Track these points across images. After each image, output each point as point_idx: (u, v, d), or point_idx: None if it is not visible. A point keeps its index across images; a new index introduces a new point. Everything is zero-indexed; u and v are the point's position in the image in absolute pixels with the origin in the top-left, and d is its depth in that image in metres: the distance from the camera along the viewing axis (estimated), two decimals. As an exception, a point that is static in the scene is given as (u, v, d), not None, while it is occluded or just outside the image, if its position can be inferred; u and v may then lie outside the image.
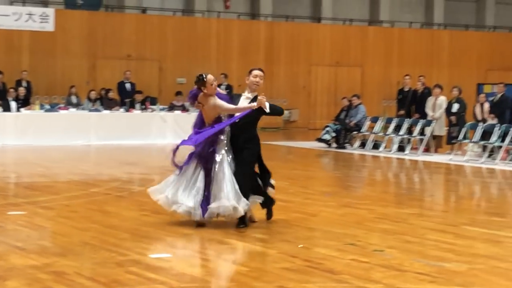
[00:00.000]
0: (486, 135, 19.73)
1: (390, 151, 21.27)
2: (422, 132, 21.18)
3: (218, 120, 9.68)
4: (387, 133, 21.82)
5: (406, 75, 23.24)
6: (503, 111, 20.70)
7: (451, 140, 20.83)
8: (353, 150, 21.86)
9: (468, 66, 32.20)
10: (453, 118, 21.00)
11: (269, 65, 29.56)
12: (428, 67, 31.11)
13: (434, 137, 21.34)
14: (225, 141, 9.66)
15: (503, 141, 19.30)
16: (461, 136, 20.19)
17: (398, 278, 7.29)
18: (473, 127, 20.24)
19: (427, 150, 21.15)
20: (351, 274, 7.40)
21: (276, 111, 10.02)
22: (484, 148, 19.82)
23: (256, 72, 9.75)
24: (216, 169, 9.50)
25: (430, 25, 33.71)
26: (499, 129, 19.40)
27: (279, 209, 11.21)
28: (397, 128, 21.73)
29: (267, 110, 9.58)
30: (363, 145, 22.10)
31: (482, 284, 7.15)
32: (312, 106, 30.47)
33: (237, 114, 9.62)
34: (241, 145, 9.66)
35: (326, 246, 8.73)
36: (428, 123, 21.07)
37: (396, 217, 10.93)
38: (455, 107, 21.05)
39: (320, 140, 22.72)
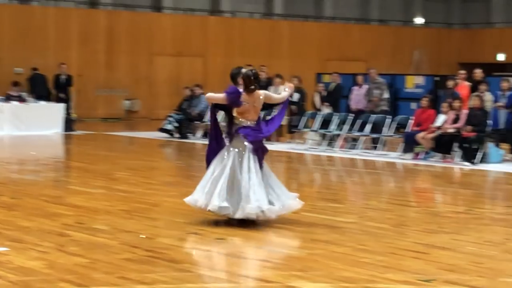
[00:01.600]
0: (325, 123, 20.17)
1: (232, 140, 21.38)
2: (263, 121, 21.39)
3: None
4: (229, 122, 21.93)
5: (247, 65, 23.40)
6: (337, 100, 21.22)
7: (291, 129, 21.18)
8: (196, 139, 21.86)
9: (308, 56, 32.82)
10: (293, 107, 21.33)
11: (109, 54, 29.17)
12: (269, 57, 31.47)
13: (275, 126, 21.59)
14: None
15: (341, 129, 19.80)
16: (301, 125, 20.56)
17: (240, 265, 7.32)
18: (313, 116, 20.65)
19: (268, 139, 21.38)
20: (193, 263, 7.39)
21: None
22: (324, 136, 20.26)
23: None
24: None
25: (270, 15, 34.14)
26: (337, 118, 19.88)
27: (121, 199, 11.09)
28: (239, 118, 21.86)
29: (292, 98, 9.93)
30: (205, 134, 22.11)
31: (320, 269, 7.27)
32: (154, 96, 30.27)
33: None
34: None
35: (168, 236, 8.67)
36: (269, 113, 21.29)
37: (238, 205, 10.98)
38: (296, 96, 21.38)
39: (162, 130, 22.60)
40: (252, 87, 9.34)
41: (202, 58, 31.22)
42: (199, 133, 22.30)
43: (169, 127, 22.52)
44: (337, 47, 33.73)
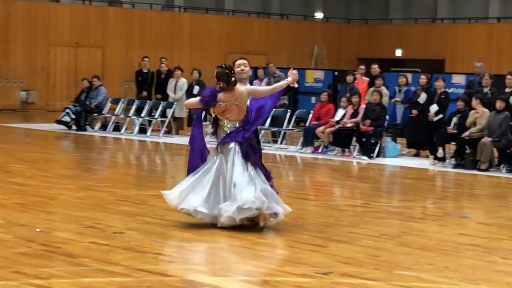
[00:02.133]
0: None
1: (131, 133, 21.20)
2: (163, 114, 21.28)
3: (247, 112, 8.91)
4: (129, 115, 21.73)
5: (145, 57, 23.25)
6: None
7: (192, 122, 21.07)
8: (94, 132, 21.57)
9: (209, 49, 32.75)
10: (193, 100, 21.24)
11: (5, 44, 28.47)
12: (170, 49, 31.30)
13: (175, 119, 21.51)
14: None
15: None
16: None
17: (138, 259, 7.24)
18: (213, 109, 20.60)
19: (168, 132, 21.27)
20: (90, 257, 7.26)
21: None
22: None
23: (238, 62, 9.16)
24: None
25: (171, 7, 33.93)
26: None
27: (16, 192, 10.84)
28: (139, 110, 21.70)
29: (296, 85, 9.03)
30: (104, 127, 21.86)
31: (220, 263, 7.26)
32: (51, 87, 29.70)
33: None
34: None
35: (65, 229, 8.52)
36: (170, 105, 21.20)
37: (137, 199, 10.89)
38: (196, 89, 21.30)
39: (59, 122, 22.19)
40: (229, 84, 8.81)
41: (101, 49, 30.79)
42: (98, 126, 22.00)
43: (66, 119, 22.12)
44: (238, 40, 33.78)
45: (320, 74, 25.92)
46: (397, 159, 17.21)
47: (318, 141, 18.04)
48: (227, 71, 8.83)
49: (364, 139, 17.08)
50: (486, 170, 15.26)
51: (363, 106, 17.50)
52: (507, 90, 16.56)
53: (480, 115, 15.76)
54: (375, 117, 17.18)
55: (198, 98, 9.18)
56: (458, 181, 14.66)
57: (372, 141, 17.07)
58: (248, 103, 8.94)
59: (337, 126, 17.43)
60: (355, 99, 17.53)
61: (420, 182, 14.22)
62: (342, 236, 8.62)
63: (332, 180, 14.61)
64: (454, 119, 16.20)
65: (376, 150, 17.14)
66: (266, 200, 8.54)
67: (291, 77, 8.91)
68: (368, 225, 9.31)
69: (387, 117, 17.65)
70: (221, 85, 8.86)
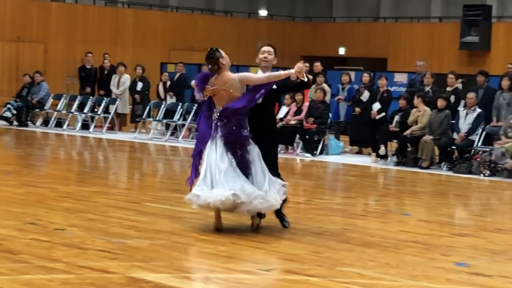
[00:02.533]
0: (169, 113, 20.11)
1: (74, 129, 21.02)
2: (106, 110, 21.13)
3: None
4: (71, 111, 21.53)
5: (88, 52, 23.06)
6: (181, 90, 21.19)
7: (135, 118, 20.99)
8: (36, 128, 21.34)
9: (152, 45, 32.55)
10: (137, 96, 21.15)
11: None
12: (113, 45, 31.05)
13: (118, 115, 21.37)
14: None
15: (185, 119, 19.80)
16: (145, 114, 20.41)
17: (80, 256, 7.17)
18: (157, 106, 20.54)
19: (111, 128, 21.13)
20: (31, 253, 7.17)
21: (306, 83, 8.73)
22: (168, 126, 20.17)
23: (264, 48, 8.71)
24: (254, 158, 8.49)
25: (114, 3, 33.66)
26: (181, 108, 19.85)
27: (-45, 189, 10.67)
28: (81, 106, 21.51)
29: (305, 79, 8.41)
30: (46, 123, 21.63)
31: (162, 259, 7.22)
32: (-8, 82, 29.28)
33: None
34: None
35: (5, 226, 8.40)
36: (113, 101, 21.06)
37: (79, 195, 10.79)
38: (139, 85, 21.21)
39: (0, 117, 21.90)
40: (213, 68, 8.52)
41: (43, 44, 30.41)
42: (39, 121, 21.76)
43: (7, 114, 21.84)
44: (182, 37, 33.64)
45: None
46: (339, 156, 17.32)
47: (262, 138, 18.04)
48: (210, 54, 8.54)
49: (307, 137, 17.16)
50: (427, 167, 15.45)
51: (306, 103, 17.58)
52: (448, 89, 16.78)
53: (421, 113, 15.94)
54: (319, 114, 17.27)
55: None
56: (400, 178, 14.81)
57: (315, 139, 17.16)
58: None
59: (280, 124, 17.47)
60: (298, 97, 17.59)
61: (362, 179, 14.33)
62: (284, 233, 8.65)
63: (276, 177, 14.61)
64: (396, 117, 16.37)
65: (319, 148, 17.23)
66: (240, 199, 8.31)
67: (295, 69, 8.37)
68: (310, 222, 9.35)
69: (330, 114, 17.75)
70: (209, 68, 8.61)
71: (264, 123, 8.64)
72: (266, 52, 8.66)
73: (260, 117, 8.57)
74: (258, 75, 8.59)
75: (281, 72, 8.51)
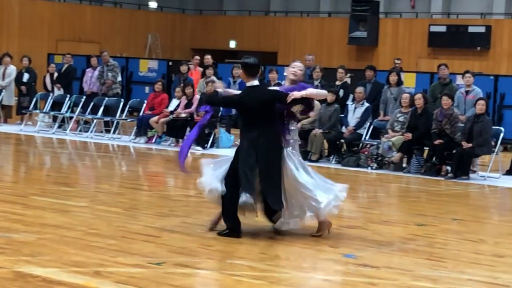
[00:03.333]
0: (57, 105, 19.76)
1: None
2: (-9, 102, 20.61)
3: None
4: (-46, 102, 20.91)
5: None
6: (69, 82, 20.85)
7: (21, 110, 20.54)
8: None
9: (39, 35, 31.89)
10: (23, 88, 20.70)
11: None
12: (-2, 35, 30.33)
13: (3, 106, 20.87)
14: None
15: (73, 111, 19.50)
16: (31, 106, 20.01)
17: (-36, 252, 6.97)
18: (44, 97, 20.16)
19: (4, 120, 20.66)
20: None
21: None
22: (55, 118, 19.81)
23: (297, 63, 8.91)
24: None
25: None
26: (68, 100, 19.54)
27: None
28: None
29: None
30: None
31: (50, 253, 7.08)
32: None
33: None
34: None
35: None
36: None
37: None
38: (25, 76, 20.76)
39: None
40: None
41: None
42: None
43: None
44: (70, 28, 33.07)
45: (154, 64, 25.77)
46: (230, 149, 17.34)
47: (152, 131, 17.96)
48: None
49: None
50: (317, 161, 15.63)
51: (197, 96, 17.54)
52: (337, 83, 17.01)
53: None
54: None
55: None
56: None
57: (206, 132, 17.14)
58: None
59: (171, 116, 17.40)
60: (188, 90, 17.54)
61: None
62: (175, 226, 8.60)
63: (166, 171, 14.56)
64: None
65: (210, 141, 17.22)
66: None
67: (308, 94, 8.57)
68: (201, 215, 9.32)
69: (221, 108, 17.75)
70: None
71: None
72: (297, 67, 8.86)
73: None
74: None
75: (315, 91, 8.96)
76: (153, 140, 17.74)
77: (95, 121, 18.91)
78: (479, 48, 28.50)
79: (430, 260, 7.59)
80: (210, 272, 6.78)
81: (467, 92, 15.78)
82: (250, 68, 8.49)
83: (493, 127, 15.10)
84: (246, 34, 35.24)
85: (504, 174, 14.82)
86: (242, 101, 8.47)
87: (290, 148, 8.47)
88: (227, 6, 37.27)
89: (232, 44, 35.79)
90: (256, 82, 8.53)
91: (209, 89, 17.51)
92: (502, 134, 14.88)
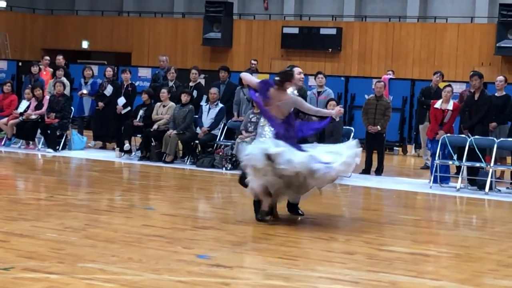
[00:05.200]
0: None
1: None
2: None
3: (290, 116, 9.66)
4: None
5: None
6: None
7: None
8: None
9: None
10: None
11: None
12: None
13: None
14: None
15: None
16: None
17: None
18: None
19: None
20: None
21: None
22: None
23: (300, 70, 10.16)
24: None
25: None
26: None
27: None
28: None
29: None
30: None
31: None
32: None
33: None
34: None
35: None
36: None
37: None
38: None
39: None
40: (289, 85, 9.68)
41: None
42: None
43: None
44: None
45: (3, 64, 25.10)
46: (83, 151, 17.09)
47: (1, 133, 17.47)
48: (287, 70, 9.94)
49: (49, 132, 16.78)
50: (171, 162, 15.58)
51: (47, 97, 17.19)
52: (191, 84, 17.01)
53: (167, 108, 16.05)
54: (60, 108, 16.93)
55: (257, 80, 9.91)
56: (144, 173, 14.83)
57: (58, 134, 16.81)
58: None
59: (21, 118, 16.98)
60: (37, 91, 17.17)
61: (107, 174, 14.21)
62: (24, 230, 8.37)
63: (16, 174, 14.19)
64: (141, 112, 16.38)
65: (62, 143, 16.90)
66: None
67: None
68: (52, 219, 9.12)
69: (72, 109, 17.46)
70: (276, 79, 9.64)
71: None
72: (302, 73, 10.24)
73: None
74: (310, 105, 10.27)
75: (326, 111, 10.76)
76: (3, 143, 17.26)
77: None
78: (330, 49, 29.08)
79: (282, 259, 7.67)
80: (60, 276, 6.62)
81: (319, 93, 16.09)
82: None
83: (344, 127, 15.44)
84: (99, 35, 34.76)
85: (360, 173, 15.14)
86: None
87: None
88: (79, 6, 36.66)
89: (85, 45, 35.23)
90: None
91: (58, 89, 17.18)
92: (352, 134, 15.22)
